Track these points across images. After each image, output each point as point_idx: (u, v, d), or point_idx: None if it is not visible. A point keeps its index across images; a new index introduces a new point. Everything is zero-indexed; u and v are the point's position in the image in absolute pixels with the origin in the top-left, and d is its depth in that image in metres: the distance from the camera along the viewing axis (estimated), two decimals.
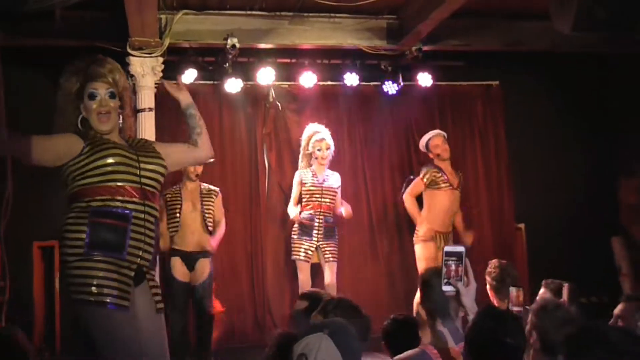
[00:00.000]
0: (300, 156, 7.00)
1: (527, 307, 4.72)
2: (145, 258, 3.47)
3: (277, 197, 7.53)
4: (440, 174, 6.97)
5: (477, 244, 7.18)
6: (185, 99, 3.98)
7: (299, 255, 6.72)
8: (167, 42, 6.49)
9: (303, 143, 6.94)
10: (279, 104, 7.54)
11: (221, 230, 6.50)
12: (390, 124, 7.85)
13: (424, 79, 7.38)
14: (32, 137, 3.43)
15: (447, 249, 2.99)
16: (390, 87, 7.45)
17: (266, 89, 7.42)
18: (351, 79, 7.31)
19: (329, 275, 6.71)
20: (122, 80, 3.74)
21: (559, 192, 7.97)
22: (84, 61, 3.68)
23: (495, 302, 4.69)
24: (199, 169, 6.42)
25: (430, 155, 7.11)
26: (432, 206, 6.97)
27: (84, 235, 3.35)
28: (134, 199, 3.46)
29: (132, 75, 6.48)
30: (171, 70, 6.77)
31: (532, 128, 8.13)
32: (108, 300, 3.26)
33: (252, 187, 7.48)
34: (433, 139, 7.08)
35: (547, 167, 8.06)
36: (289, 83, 7.51)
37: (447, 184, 6.98)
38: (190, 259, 6.33)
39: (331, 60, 7.38)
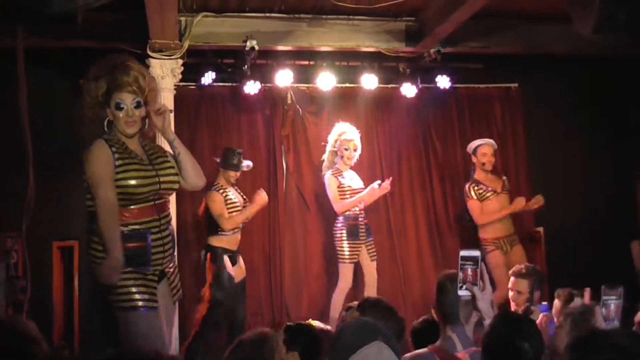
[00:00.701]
0: (325, 154, 7.01)
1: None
2: (166, 262, 3.96)
3: (295, 199, 7.54)
4: (478, 187, 7.02)
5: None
6: (169, 133, 4.03)
7: (344, 258, 6.76)
8: (186, 44, 6.52)
9: (331, 140, 6.96)
10: (298, 106, 7.54)
11: None
12: (408, 127, 7.84)
13: (443, 82, 7.36)
14: (111, 206, 3.77)
15: (463, 253, 2.98)
16: (408, 90, 7.43)
17: (284, 91, 7.43)
18: (369, 81, 7.31)
19: (374, 272, 6.83)
20: (146, 84, 3.93)
21: (578, 196, 7.92)
22: (109, 65, 3.81)
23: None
24: (238, 174, 6.52)
25: (474, 160, 7.11)
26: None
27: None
28: (151, 217, 3.86)
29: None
30: (190, 72, 6.82)
31: (552, 131, 8.08)
32: (140, 305, 3.78)
33: (270, 189, 7.48)
34: (483, 147, 7.08)
35: (567, 171, 8.01)
36: (307, 85, 7.51)
37: (491, 192, 7.02)
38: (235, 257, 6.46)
39: (349, 62, 7.38)
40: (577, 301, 3.83)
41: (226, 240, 6.39)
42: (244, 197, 6.60)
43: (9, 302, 5.53)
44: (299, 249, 7.48)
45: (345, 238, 6.74)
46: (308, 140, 7.62)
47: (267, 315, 7.30)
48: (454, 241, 7.68)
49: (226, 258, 6.34)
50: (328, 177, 6.86)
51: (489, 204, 7.00)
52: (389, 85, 7.58)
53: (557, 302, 4.66)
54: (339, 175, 6.85)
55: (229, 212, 6.36)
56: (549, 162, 8.02)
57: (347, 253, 6.74)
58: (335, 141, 6.91)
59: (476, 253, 2.98)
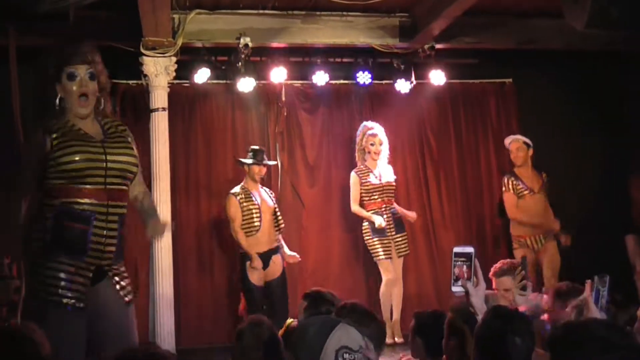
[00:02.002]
0: (355, 154, 7.10)
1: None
2: (107, 257, 3.58)
3: (290, 197, 7.53)
4: (517, 182, 7.06)
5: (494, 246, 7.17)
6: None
7: (378, 255, 6.84)
8: (180, 41, 6.51)
9: (357, 139, 7.06)
10: (292, 103, 7.54)
11: None
12: (403, 123, 7.83)
13: (437, 77, 7.36)
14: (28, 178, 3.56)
15: (457, 249, 2.99)
16: (402, 86, 7.43)
17: (278, 88, 7.42)
18: (364, 77, 7.31)
19: (399, 268, 6.93)
20: (100, 62, 3.70)
21: (572, 190, 7.92)
22: (60, 45, 3.66)
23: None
24: (263, 171, 6.55)
25: (511, 156, 7.22)
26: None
27: (43, 236, 3.49)
28: (98, 202, 3.53)
29: (145, 75, 6.50)
30: (184, 70, 6.81)
31: (546, 126, 8.07)
32: (65, 301, 3.43)
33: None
34: (513, 143, 7.18)
35: (561, 165, 8.00)
36: (301, 82, 7.51)
37: (526, 190, 7.04)
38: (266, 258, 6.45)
39: (343, 58, 7.37)
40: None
41: (247, 244, 6.43)
42: (273, 198, 6.65)
43: (3, 302, 5.51)
44: (293, 246, 7.46)
45: (372, 235, 6.86)
46: (302, 137, 7.62)
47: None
48: (449, 237, 7.69)
49: (249, 264, 6.38)
50: (352, 175, 7.01)
51: (524, 202, 7.03)
52: (383, 82, 7.57)
53: (549, 300, 4.63)
54: (362, 173, 6.94)
55: (244, 217, 6.40)
56: (543, 157, 8.01)
57: (379, 249, 6.85)
58: (361, 139, 7.01)
59: (469, 249, 2.98)
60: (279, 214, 6.62)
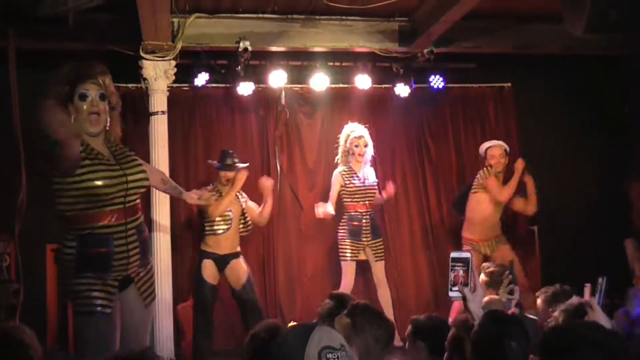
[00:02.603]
0: (338, 155, 7.02)
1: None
2: (132, 267, 3.90)
3: (289, 200, 7.54)
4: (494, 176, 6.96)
5: None
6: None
7: (345, 256, 6.80)
8: (179, 45, 6.51)
9: (341, 141, 6.99)
10: (291, 107, 7.55)
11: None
12: (402, 127, 7.85)
13: (436, 82, 7.39)
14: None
15: (454, 254, 2.99)
16: (402, 90, 7.44)
17: (278, 92, 7.43)
18: (363, 81, 7.32)
19: (379, 273, 6.89)
20: (110, 84, 3.92)
21: (572, 194, 7.93)
22: (72, 64, 3.78)
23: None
24: (230, 175, 6.47)
25: (486, 163, 7.08)
26: (479, 209, 6.96)
27: (73, 261, 3.81)
28: (117, 222, 3.83)
29: (144, 79, 6.50)
30: (184, 74, 6.81)
31: (545, 130, 8.09)
32: (96, 310, 3.77)
33: None
34: (492, 149, 7.05)
35: (560, 169, 8.02)
36: (300, 86, 7.52)
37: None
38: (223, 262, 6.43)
39: (343, 62, 7.38)
40: (574, 299, 3.81)
41: (208, 244, 6.43)
42: (243, 203, 6.60)
43: (2, 305, 5.51)
44: (292, 249, 7.48)
45: (346, 237, 6.80)
46: (302, 141, 7.63)
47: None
48: (447, 241, 7.68)
49: (205, 262, 6.38)
50: (335, 174, 6.93)
51: (484, 200, 6.95)
52: (383, 86, 7.59)
53: (540, 303, 4.61)
54: (346, 175, 6.88)
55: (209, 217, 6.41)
56: (543, 161, 8.02)
57: (347, 251, 6.79)
58: (345, 140, 6.95)
59: (467, 254, 2.98)
60: (247, 217, 6.56)
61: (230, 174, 6.45)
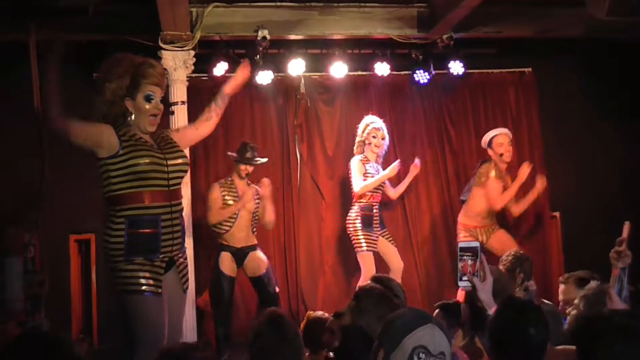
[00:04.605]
0: (355, 145, 6.97)
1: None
2: (175, 250, 4.02)
3: (310, 188, 7.54)
4: (500, 173, 6.86)
5: (512, 233, 7.10)
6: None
7: (361, 247, 6.73)
8: (198, 35, 6.52)
9: (359, 131, 6.94)
10: (310, 95, 7.53)
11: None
12: (421, 113, 7.81)
13: (456, 67, 7.32)
14: (78, 120, 3.85)
15: (462, 244, 2.99)
16: (421, 76, 7.40)
17: (297, 80, 7.42)
18: (382, 68, 7.28)
19: (396, 259, 6.86)
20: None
21: (594, 180, 7.87)
22: (132, 62, 3.91)
23: None
24: (250, 168, 6.45)
25: (491, 153, 6.93)
26: (479, 201, 6.86)
27: (122, 244, 3.90)
28: (162, 203, 3.96)
29: (164, 69, 6.51)
30: (202, 63, 6.81)
31: (566, 114, 8.02)
32: (144, 289, 3.89)
33: (284, 179, 7.50)
34: (498, 137, 6.90)
35: (582, 155, 7.96)
36: (319, 74, 7.50)
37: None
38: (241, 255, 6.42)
39: (362, 50, 7.35)
40: (592, 283, 3.79)
41: (223, 237, 6.43)
42: (257, 199, 6.54)
43: (27, 296, 5.57)
44: (314, 238, 7.48)
45: (359, 228, 6.72)
46: (321, 129, 7.62)
47: (284, 305, 7.31)
48: None
49: (223, 255, 6.39)
50: (355, 160, 6.83)
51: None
52: (402, 72, 7.54)
53: (562, 287, 4.58)
54: (365, 161, 6.83)
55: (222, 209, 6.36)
56: (564, 147, 7.97)
57: (363, 242, 6.71)
58: (363, 131, 6.90)
59: (475, 244, 2.98)
60: (256, 216, 6.50)
61: (249, 168, 6.45)
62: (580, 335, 2.25)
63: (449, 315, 3.79)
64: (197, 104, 7.09)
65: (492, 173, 6.81)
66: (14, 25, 5.21)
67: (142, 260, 3.90)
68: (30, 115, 5.12)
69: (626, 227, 3.20)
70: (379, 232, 6.82)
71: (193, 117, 6.73)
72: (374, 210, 6.80)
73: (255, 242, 6.51)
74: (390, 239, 6.93)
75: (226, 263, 6.38)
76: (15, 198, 6.57)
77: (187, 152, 6.39)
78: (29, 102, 4.88)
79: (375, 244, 6.76)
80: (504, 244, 6.48)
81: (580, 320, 2.37)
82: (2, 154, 6.79)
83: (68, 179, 6.60)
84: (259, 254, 6.46)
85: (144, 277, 3.89)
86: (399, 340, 2.13)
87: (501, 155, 6.85)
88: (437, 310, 4.33)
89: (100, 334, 7.00)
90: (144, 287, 3.89)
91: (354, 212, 6.78)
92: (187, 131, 4.49)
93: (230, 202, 6.36)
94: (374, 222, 6.78)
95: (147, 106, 3.98)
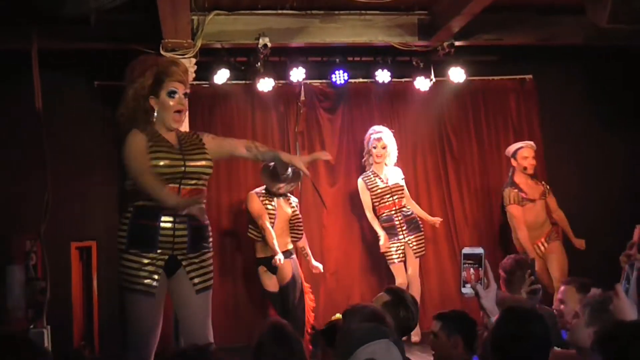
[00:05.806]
0: (364, 158, 7.15)
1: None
2: (178, 248, 3.97)
3: (311, 195, 7.53)
4: (519, 192, 6.93)
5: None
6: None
7: (392, 258, 6.87)
8: (199, 43, 6.52)
9: (365, 142, 7.10)
10: (311, 103, 7.54)
11: None
12: (423, 121, 7.82)
13: (457, 75, 7.33)
14: (151, 175, 3.93)
15: (465, 251, 2.96)
16: (422, 84, 7.41)
17: (298, 88, 7.43)
18: (383, 75, 7.30)
19: (413, 269, 6.91)
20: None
21: (595, 186, 7.87)
22: (151, 62, 3.98)
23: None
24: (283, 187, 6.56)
25: (514, 164, 7.04)
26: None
27: (126, 232, 3.96)
28: None
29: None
30: (204, 71, 6.83)
31: (567, 122, 8.03)
32: (137, 288, 3.93)
33: None
34: (523, 150, 7.00)
35: (583, 161, 7.96)
36: (320, 81, 7.52)
37: (529, 201, 6.94)
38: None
39: (362, 57, 7.37)
40: (593, 291, 3.78)
41: (257, 249, 6.58)
42: (296, 206, 6.71)
43: (29, 303, 5.57)
44: (315, 245, 7.47)
45: (388, 239, 6.86)
46: (322, 136, 7.63)
47: None
48: (470, 234, 7.66)
49: (260, 272, 6.52)
50: (359, 182, 7.06)
51: (525, 213, 6.92)
52: (403, 80, 7.56)
53: (563, 287, 4.55)
54: (368, 179, 6.97)
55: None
56: (565, 153, 7.97)
57: (393, 253, 6.87)
58: (367, 142, 7.05)
59: (479, 250, 2.95)
60: (294, 223, 6.62)
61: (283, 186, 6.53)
62: (606, 343, 2.24)
63: (448, 324, 3.76)
64: (198, 111, 7.14)
65: (511, 199, 6.93)
66: (16, 33, 5.23)
67: (140, 253, 3.94)
68: (32, 122, 5.13)
69: (637, 231, 3.20)
70: (406, 238, 6.90)
71: (193, 124, 6.80)
72: (395, 218, 6.91)
73: (290, 247, 6.58)
74: (418, 246, 6.96)
75: (266, 280, 6.52)
76: (16, 205, 6.59)
77: None
78: (31, 109, 4.89)
79: (403, 253, 6.89)
80: (560, 260, 6.76)
81: (607, 329, 2.35)
82: (4, 160, 6.81)
83: (69, 186, 6.61)
84: (290, 262, 6.50)
85: (137, 276, 3.92)
86: (352, 351, 2.17)
87: (525, 168, 6.95)
88: (435, 320, 4.30)
89: (101, 341, 7.00)
90: (137, 287, 3.93)
91: (379, 227, 6.93)
92: (224, 143, 4.43)
93: (269, 209, 6.47)
94: (398, 230, 6.89)
95: (171, 102, 4.03)
